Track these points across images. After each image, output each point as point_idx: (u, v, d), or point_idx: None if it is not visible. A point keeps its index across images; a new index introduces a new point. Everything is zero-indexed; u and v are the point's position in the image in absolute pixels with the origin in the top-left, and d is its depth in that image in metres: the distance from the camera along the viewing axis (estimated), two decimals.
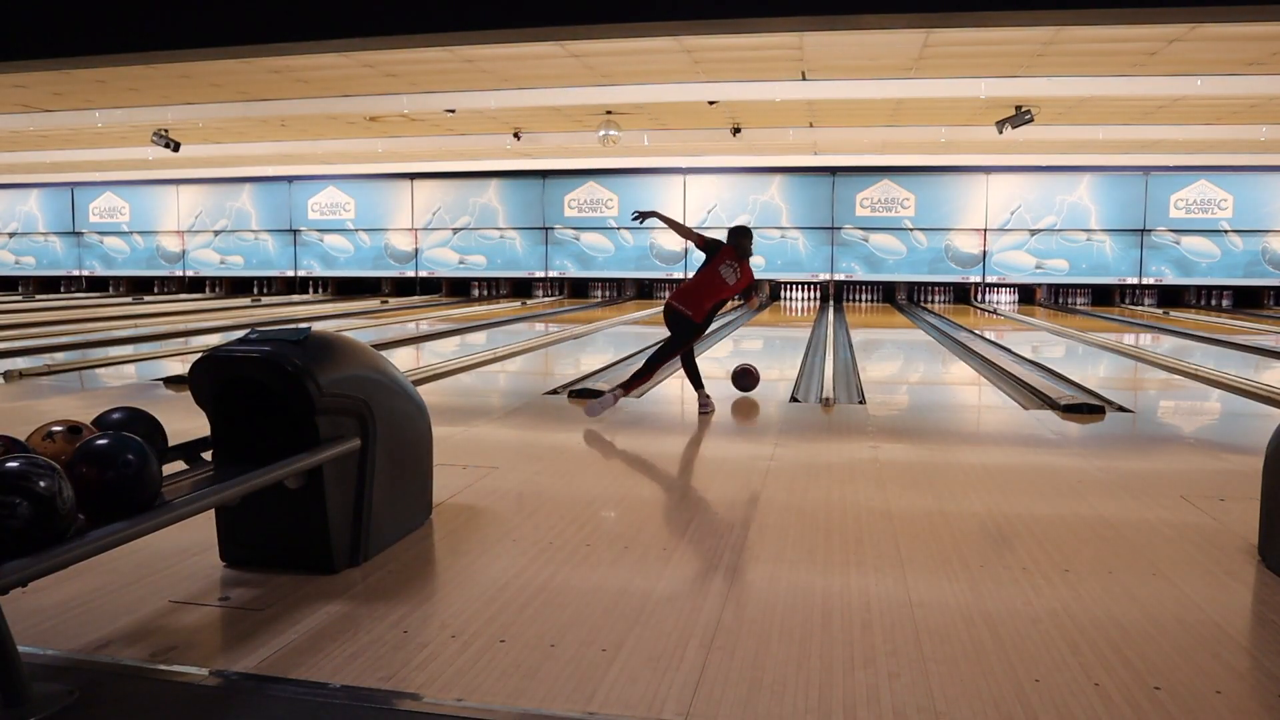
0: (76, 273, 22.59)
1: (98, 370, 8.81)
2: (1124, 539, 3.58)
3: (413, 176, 20.10)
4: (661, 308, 6.50)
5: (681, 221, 6.50)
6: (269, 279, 21.65)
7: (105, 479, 2.29)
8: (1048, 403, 6.74)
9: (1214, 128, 13.01)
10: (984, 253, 18.52)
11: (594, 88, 10.63)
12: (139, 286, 22.23)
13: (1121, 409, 6.56)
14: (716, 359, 10.20)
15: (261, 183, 20.95)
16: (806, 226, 19.00)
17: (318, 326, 5.71)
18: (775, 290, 19.74)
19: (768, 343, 12.47)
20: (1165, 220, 17.91)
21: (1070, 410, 6.37)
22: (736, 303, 6.72)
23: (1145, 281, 18.16)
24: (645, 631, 2.69)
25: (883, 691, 2.32)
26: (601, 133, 12.51)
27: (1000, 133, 12.01)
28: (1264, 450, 3.30)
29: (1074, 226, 18.18)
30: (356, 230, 20.78)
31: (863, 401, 7.01)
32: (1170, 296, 18.48)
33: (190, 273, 21.87)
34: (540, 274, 20.13)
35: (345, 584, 3.05)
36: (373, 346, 3.79)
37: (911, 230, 18.72)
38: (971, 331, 12.84)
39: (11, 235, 22.74)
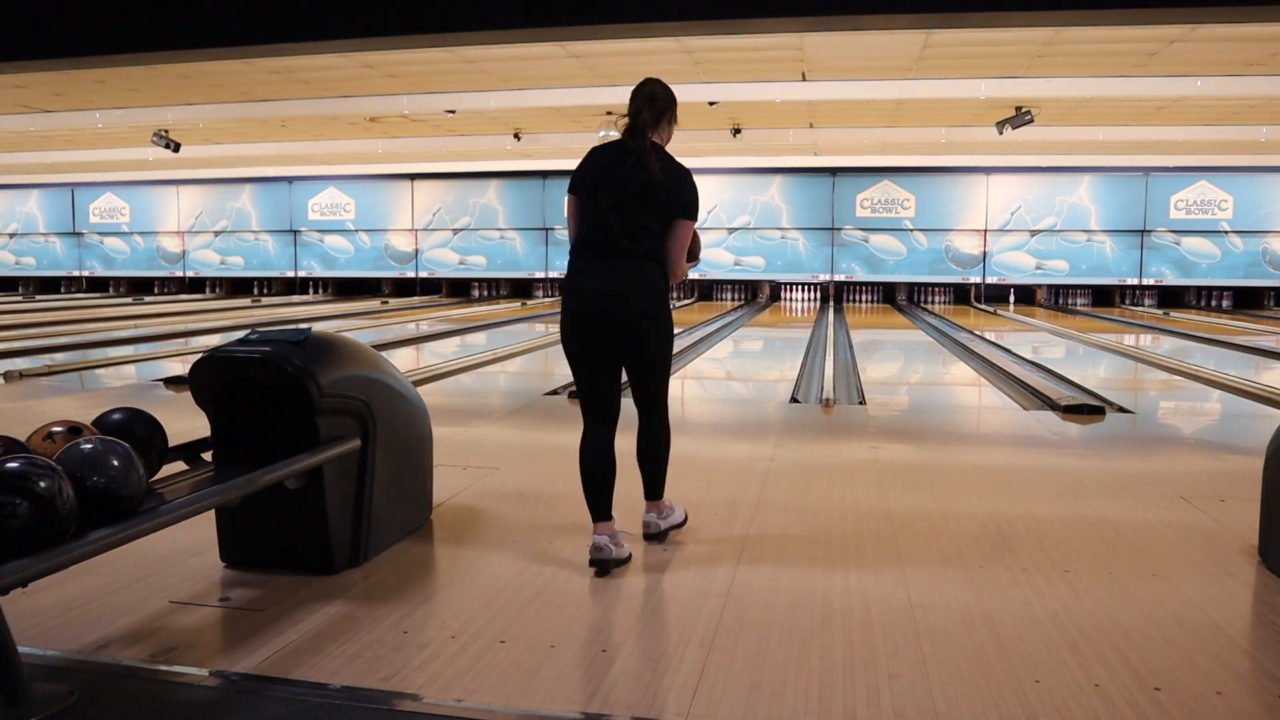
0: (77, 273, 22.58)
1: (98, 371, 8.80)
2: (1124, 540, 3.57)
3: (413, 177, 20.09)
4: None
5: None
6: (269, 279, 21.63)
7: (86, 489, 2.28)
8: (1048, 403, 6.74)
9: (1214, 128, 13.01)
10: (984, 253, 18.51)
11: (594, 88, 10.64)
12: (139, 287, 22.22)
13: (1122, 410, 6.56)
14: (716, 359, 10.21)
15: (261, 183, 20.95)
16: (806, 227, 19.00)
17: (318, 327, 5.72)
18: (776, 291, 19.77)
19: (767, 343, 12.47)
20: (1165, 221, 17.90)
21: (1070, 411, 6.37)
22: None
23: (1145, 282, 18.15)
24: (645, 631, 2.69)
25: (883, 692, 2.32)
26: (601, 133, 12.48)
27: (1000, 133, 12.01)
28: (1264, 451, 3.30)
29: (1074, 227, 18.17)
30: (357, 231, 20.77)
31: (863, 402, 7.01)
32: (1170, 297, 18.47)
33: (190, 273, 21.86)
34: (540, 274, 20.12)
35: (345, 584, 3.04)
36: (373, 347, 3.79)
37: (911, 231, 18.71)
38: (971, 332, 12.84)
39: (12, 236, 22.73)
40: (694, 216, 3.30)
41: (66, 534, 2.17)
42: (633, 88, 3.31)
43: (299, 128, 13.71)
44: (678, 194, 3.25)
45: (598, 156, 3.30)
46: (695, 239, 3.40)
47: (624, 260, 3.22)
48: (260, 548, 3.17)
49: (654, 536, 3.53)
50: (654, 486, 3.53)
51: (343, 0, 6.30)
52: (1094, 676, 2.41)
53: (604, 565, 3.15)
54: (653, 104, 3.23)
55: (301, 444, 3.01)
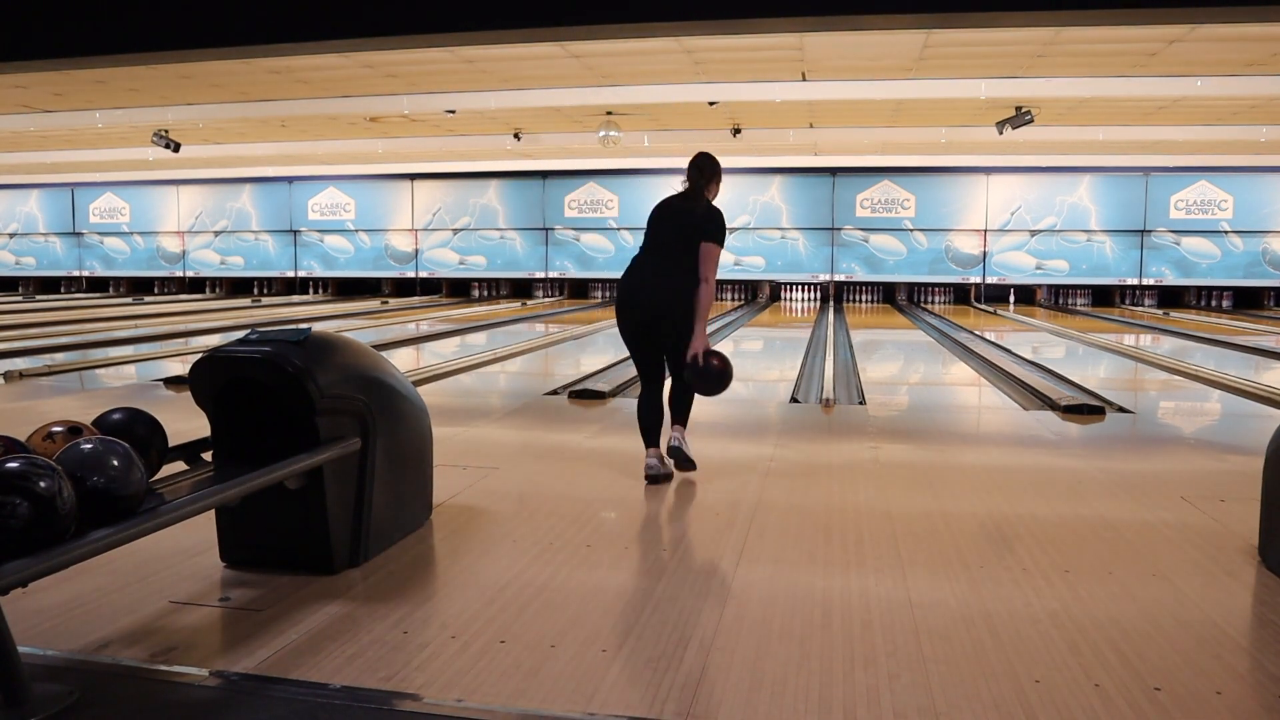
0: (77, 273, 22.58)
1: (98, 371, 8.80)
2: (1124, 540, 3.58)
3: (413, 177, 20.09)
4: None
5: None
6: (269, 279, 21.64)
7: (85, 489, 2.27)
8: (1048, 403, 6.74)
9: (1214, 128, 13.01)
10: (984, 253, 18.51)
11: (594, 88, 10.63)
12: (139, 287, 22.22)
13: (1122, 410, 6.56)
14: None
15: (261, 183, 20.95)
16: (806, 227, 19.00)
17: (318, 327, 5.72)
18: (775, 291, 19.78)
19: (767, 343, 12.47)
20: (1165, 221, 17.90)
21: (1070, 411, 6.37)
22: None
23: (1145, 282, 18.15)
24: (645, 631, 2.69)
25: (883, 692, 2.32)
26: (602, 133, 12.51)
27: (1000, 133, 12.01)
28: (1264, 451, 3.30)
29: (1074, 227, 18.17)
30: (357, 231, 20.77)
31: (863, 402, 7.01)
32: (1170, 297, 18.47)
33: (190, 273, 21.86)
34: (540, 274, 20.13)
35: (345, 584, 3.04)
36: (373, 347, 3.79)
37: (911, 231, 18.71)
38: (971, 332, 12.84)
39: (12, 236, 22.72)
40: (718, 241, 4.29)
41: (66, 534, 2.17)
42: (689, 159, 4.42)
43: (299, 128, 13.71)
44: (706, 228, 4.31)
45: (669, 201, 4.46)
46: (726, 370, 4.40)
47: (660, 262, 4.31)
48: (260, 548, 3.17)
49: (675, 451, 4.39)
50: (681, 414, 4.47)
51: (343, 0, 6.30)
52: (1094, 676, 2.41)
53: (655, 479, 4.34)
54: (703, 173, 4.38)
55: (301, 444, 3.01)
